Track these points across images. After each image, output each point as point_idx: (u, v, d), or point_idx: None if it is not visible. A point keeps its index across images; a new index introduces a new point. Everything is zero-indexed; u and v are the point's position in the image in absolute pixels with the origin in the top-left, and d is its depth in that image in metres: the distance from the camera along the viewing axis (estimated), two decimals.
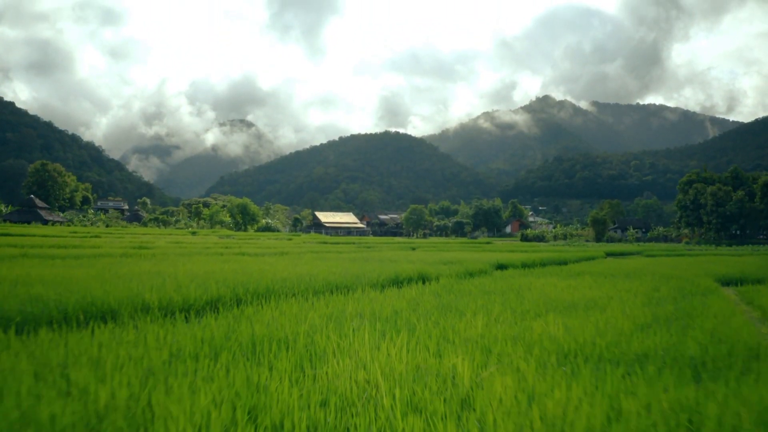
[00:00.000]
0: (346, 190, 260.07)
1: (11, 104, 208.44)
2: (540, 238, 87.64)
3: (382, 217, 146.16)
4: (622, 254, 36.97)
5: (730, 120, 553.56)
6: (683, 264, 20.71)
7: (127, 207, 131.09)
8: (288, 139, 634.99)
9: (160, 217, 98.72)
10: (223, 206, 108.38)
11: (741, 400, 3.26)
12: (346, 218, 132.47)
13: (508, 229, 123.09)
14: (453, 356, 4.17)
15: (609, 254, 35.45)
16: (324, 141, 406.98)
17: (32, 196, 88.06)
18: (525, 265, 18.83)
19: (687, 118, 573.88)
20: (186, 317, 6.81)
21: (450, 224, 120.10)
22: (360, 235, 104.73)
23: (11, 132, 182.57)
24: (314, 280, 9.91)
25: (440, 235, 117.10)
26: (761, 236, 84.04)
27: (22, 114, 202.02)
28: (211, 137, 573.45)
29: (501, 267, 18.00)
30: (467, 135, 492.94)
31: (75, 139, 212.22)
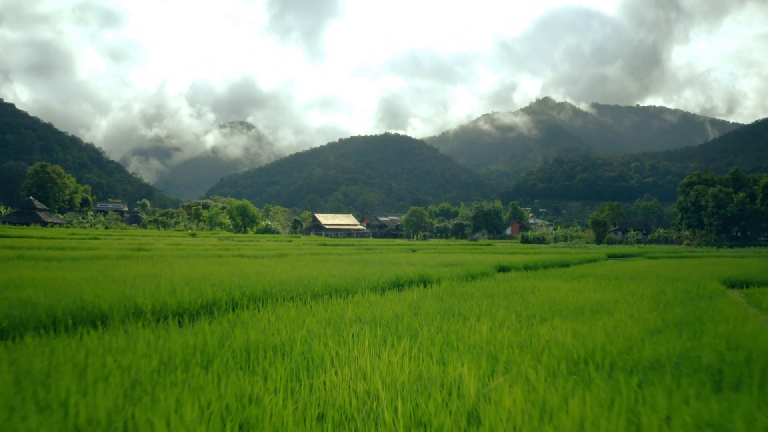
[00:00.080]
0: (346, 191, 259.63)
1: (11, 106, 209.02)
2: (540, 240, 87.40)
3: (382, 219, 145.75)
4: (623, 256, 36.93)
5: (730, 122, 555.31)
6: (686, 266, 20.47)
7: (126, 209, 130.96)
8: (288, 141, 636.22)
9: (160, 218, 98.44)
10: (223, 208, 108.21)
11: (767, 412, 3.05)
12: (346, 220, 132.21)
13: (509, 231, 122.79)
14: (458, 364, 3.95)
15: (610, 256, 35.42)
16: (324, 143, 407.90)
17: (31, 197, 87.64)
18: (527, 268, 18.68)
19: (687, 119, 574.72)
20: (180, 322, 6.60)
21: (450, 226, 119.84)
22: (360, 237, 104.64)
23: (11, 134, 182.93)
24: (313, 283, 9.68)
25: (440, 237, 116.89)
26: (762, 238, 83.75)
27: (22, 116, 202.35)
28: (211, 139, 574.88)
29: (503, 269, 17.85)
30: (467, 137, 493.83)
31: (75, 141, 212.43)
